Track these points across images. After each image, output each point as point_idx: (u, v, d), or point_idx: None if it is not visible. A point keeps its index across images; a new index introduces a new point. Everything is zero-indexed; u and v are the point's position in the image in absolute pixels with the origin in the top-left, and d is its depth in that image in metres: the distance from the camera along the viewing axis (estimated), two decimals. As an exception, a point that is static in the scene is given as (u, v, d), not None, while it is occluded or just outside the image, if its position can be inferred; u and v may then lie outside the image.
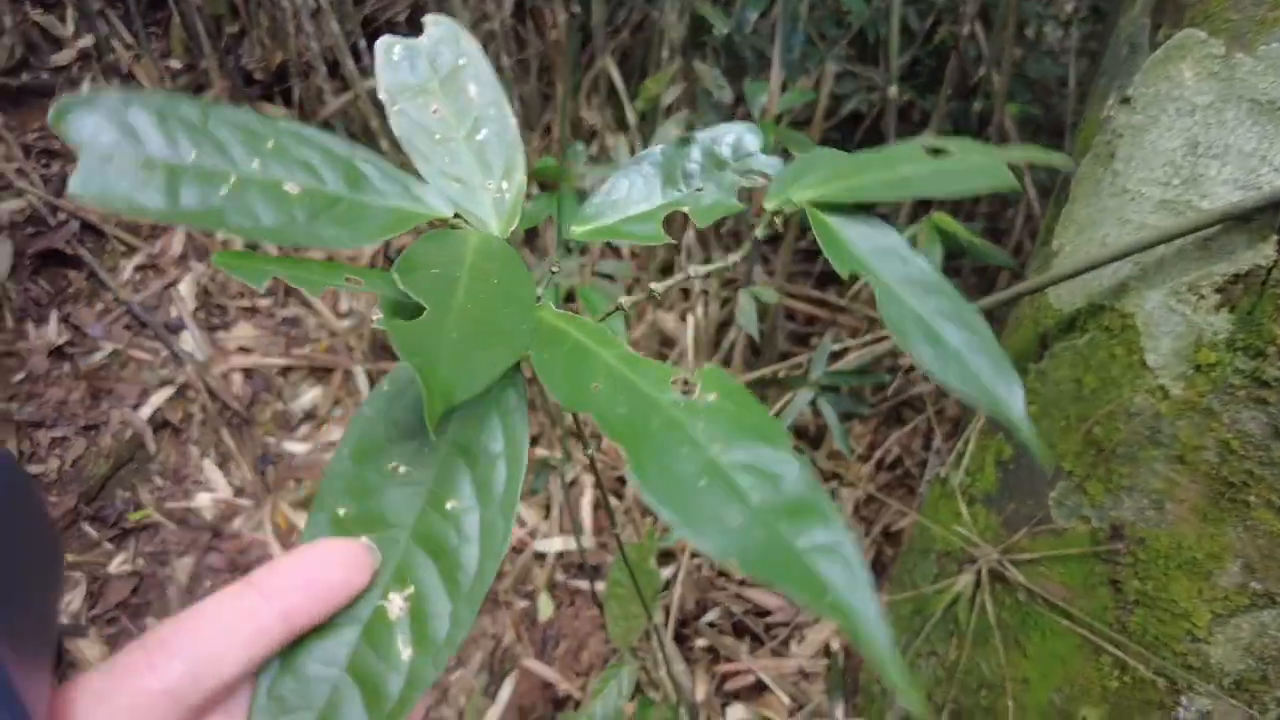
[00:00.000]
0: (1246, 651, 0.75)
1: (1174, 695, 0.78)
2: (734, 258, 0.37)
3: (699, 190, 0.37)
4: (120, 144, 0.27)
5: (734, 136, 0.38)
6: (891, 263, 0.32)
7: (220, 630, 0.25)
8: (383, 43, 0.36)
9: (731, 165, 0.38)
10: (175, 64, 1.97)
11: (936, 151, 0.34)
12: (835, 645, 1.10)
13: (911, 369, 1.36)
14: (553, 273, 0.40)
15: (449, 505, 0.27)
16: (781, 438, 0.26)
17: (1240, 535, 0.72)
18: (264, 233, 0.28)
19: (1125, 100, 0.79)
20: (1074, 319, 0.82)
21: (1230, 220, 0.69)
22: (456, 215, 0.34)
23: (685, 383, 0.28)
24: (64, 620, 1.19)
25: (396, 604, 0.26)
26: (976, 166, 0.33)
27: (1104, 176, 0.80)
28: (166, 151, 0.28)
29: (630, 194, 0.37)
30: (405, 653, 0.25)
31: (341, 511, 0.27)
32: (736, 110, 1.31)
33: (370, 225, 0.31)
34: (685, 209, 0.36)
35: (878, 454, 1.37)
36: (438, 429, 0.25)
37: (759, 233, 0.35)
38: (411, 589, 0.26)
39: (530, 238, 1.60)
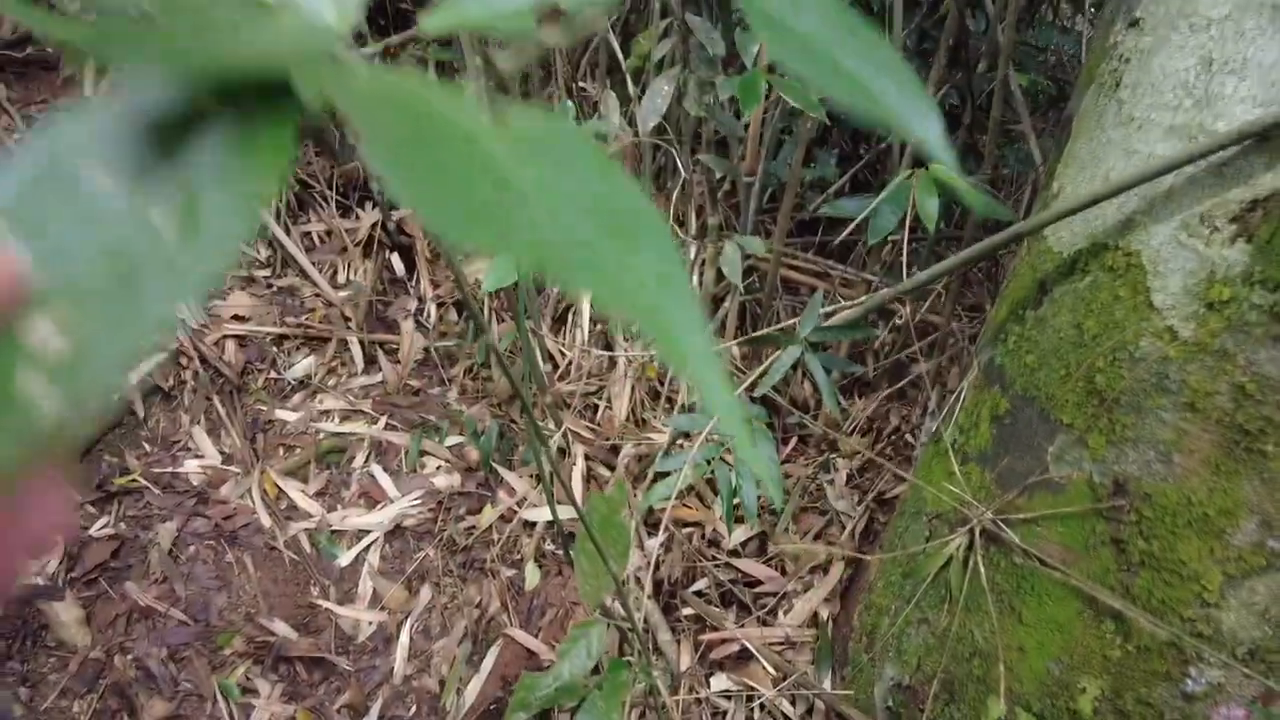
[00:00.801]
0: (1262, 618, 0.69)
1: (1182, 665, 0.72)
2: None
3: None
4: None
5: None
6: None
7: None
8: None
9: None
10: (177, 34, 1.96)
11: None
12: (824, 615, 1.05)
13: (909, 330, 1.30)
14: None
15: (153, 214, 0.20)
16: (602, 158, 0.21)
17: (1256, 489, 0.66)
18: None
19: (1133, 23, 0.73)
20: (1075, 261, 0.76)
21: (1248, 140, 0.63)
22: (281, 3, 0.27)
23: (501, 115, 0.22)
24: (40, 582, 1.18)
25: (43, 329, 0.18)
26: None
27: (1108, 107, 0.75)
28: None
29: None
30: (37, 387, 0.18)
31: None
32: (730, 65, 1.26)
33: None
34: (562, 3, 0.29)
35: (876, 424, 1.32)
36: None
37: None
38: (68, 311, 0.19)
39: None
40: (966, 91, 1.47)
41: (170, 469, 1.39)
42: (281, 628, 1.19)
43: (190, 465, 1.40)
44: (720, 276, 1.39)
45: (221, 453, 1.42)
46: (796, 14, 0.25)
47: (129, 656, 1.16)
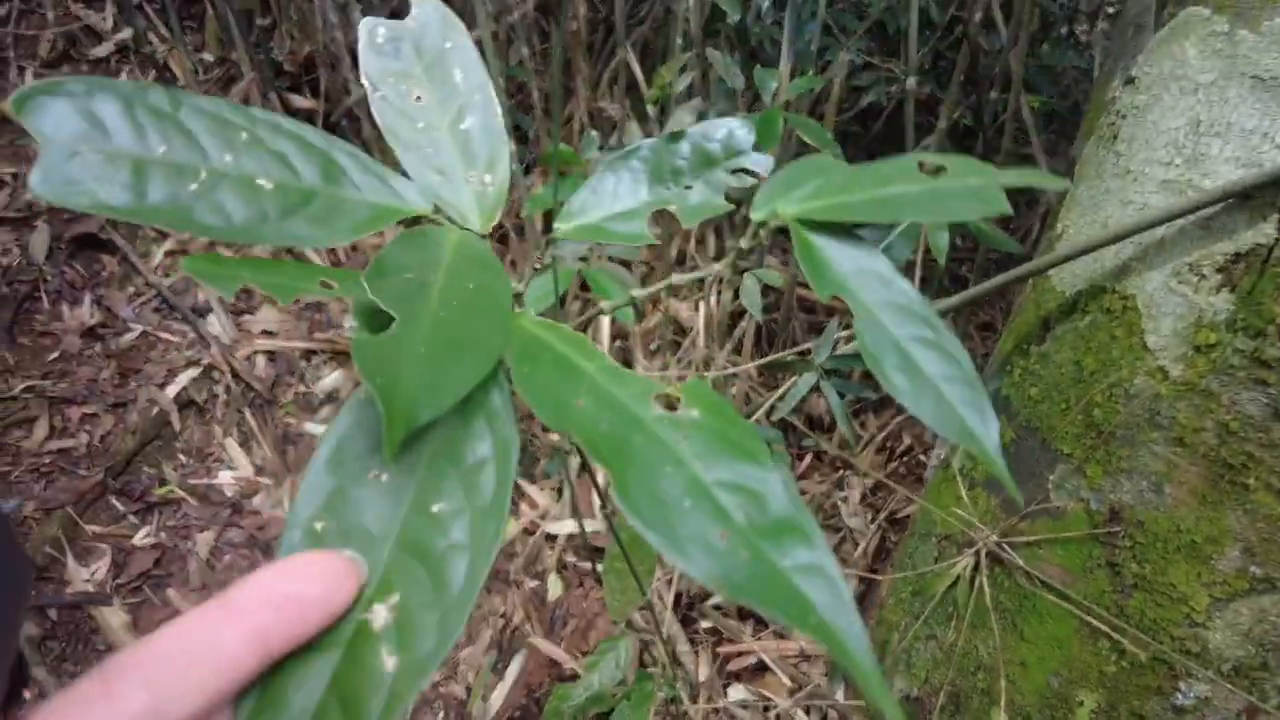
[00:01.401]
0: (1246, 637, 0.74)
1: (1172, 680, 0.77)
2: (718, 268, 0.36)
3: (687, 188, 0.35)
4: (85, 136, 0.25)
5: (725, 132, 0.37)
6: (873, 286, 0.30)
7: (187, 655, 0.23)
8: (366, 24, 0.34)
9: (722, 162, 0.36)
10: (208, 57, 2.03)
11: (935, 169, 0.33)
12: (837, 629, 1.10)
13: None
14: (536, 269, 0.40)
15: (435, 509, 0.25)
16: (763, 454, 0.25)
17: (1240, 519, 0.72)
18: (235, 232, 0.27)
19: (1129, 80, 0.78)
20: (1075, 301, 0.81)
21: (1231, 198, 0.68)
22: (436, 210, 0.32)
23: (668, 397, 0.27)
24: (90, 589, 1.24)
25: (381, 615, 0.24)
26: (970, 190, 0.31)
27: (1107, 158, 0.80)
28: (134, 144, 0.26)
29: (617, 190, 0.36)
30: (389, 664, 0.23)
31: (319, 526, 0.25)
32: (748, 98, 1.31)
33: (345, 222, 0.29)
34: (672, 208, 0.35)
35: (889, 444, 1.37)
36: (415, 439, 0.24)
37: (743, 243, 0.34)
38: (397, 597, 0.24)
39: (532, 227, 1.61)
40: (979, 112, 1.52)
41: (205, 480, 1.45)
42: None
43: (224, 477, 1.46)
44: (737, 294, 1.45)
45: (254, 465, 1.48)
46: (901, 323, 0.29)
47: (171, 661, 1.21)
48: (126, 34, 2.00)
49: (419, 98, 0.33)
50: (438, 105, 0.33)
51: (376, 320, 0.25)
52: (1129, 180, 0.77)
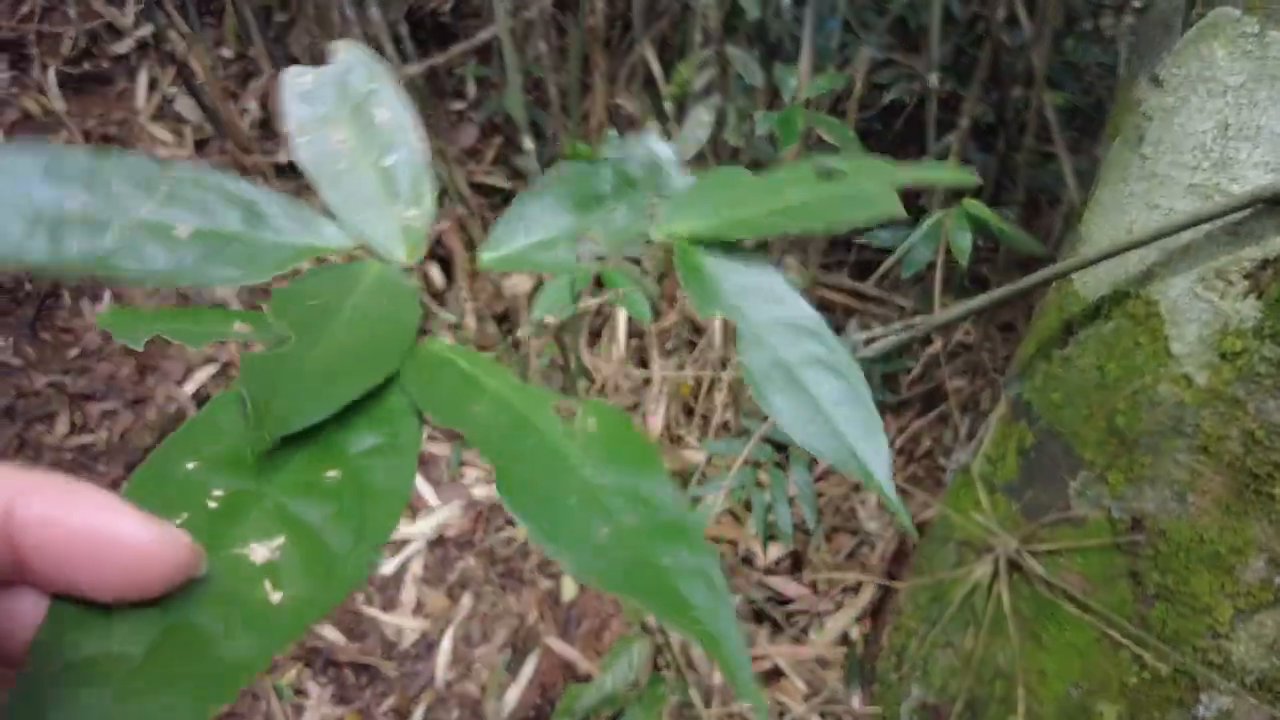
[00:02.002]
0: (1270, 649, 0.73)
1: (1194, 692, 0.76)
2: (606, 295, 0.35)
3: (611, 211, 0.35)
4: (4, 193, 0.27)
5: (645, 151, 0.36)
6: (760, 304, 0.30)
7: None
8: (290, 74, 0.35)
9: (643, 183, 0.36)
10: (227, 52, 2.04)
11: (830, 174, 0.33)
12: (854, 634, 1.10)
13: (940, 360, 1.34)
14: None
15: (320, 479, 0.25)
16: (655, 464, 0.26)
17: (1265, 529, 0.70)
18: (155, 277, 0.28)
19: (1156, 81, 0.77)
20: (1099, 306, 0.80)
21: (1260, 204, 0.66)
22: (360, 247, 0.33)
23: (568, 409, 0.28)
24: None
25: (260, 552, 0.22)
26: (865, 194, 0.31)
27: (1132, 160, 0.79)
28: (52, 199, 0.27)
29: (540, 217, 0.35)
30: (274, 596, 0.21)
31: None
32: (767, 95, 1.30)
33: (264, 261, 0.30)
34: (594, 233, 0.34)
35: (907, 445, 1.36)
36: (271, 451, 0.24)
37: (648, 267, 0.34)
38: (280, 539, 0.23)
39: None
40: (1002, 110, 1.50)
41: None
42: (330, 632, 1.26)
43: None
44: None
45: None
46: (791, 343, 0.29)
47: (190, 656, 1.23)
48: (147, 30, 2.01)
49: (342, 140, 0.34)
50: (361, 146, 0.34)
51: (280, 346, 0.26)
52: (1155, 183, 0.76)
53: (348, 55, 0.35)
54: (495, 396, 0.28)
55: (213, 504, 0.23)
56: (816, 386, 0.28)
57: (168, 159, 0.32)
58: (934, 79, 1.32)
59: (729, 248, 0.32)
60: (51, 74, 1.96)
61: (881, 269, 1.03)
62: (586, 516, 0.24)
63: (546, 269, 0.34)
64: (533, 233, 0.35)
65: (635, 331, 1.52)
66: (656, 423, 1.42)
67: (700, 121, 1.31)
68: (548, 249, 0.34)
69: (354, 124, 0.34)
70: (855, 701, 1.03)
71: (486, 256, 0.35)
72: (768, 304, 0.31)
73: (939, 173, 0.32)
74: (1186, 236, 0.72)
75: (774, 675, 1.10)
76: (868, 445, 0.27)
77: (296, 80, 0.35)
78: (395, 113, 0.35)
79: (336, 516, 0.24)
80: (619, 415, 0.27)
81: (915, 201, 1.69)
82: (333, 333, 0.27)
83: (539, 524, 0.23)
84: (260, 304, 0.29)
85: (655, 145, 0.37)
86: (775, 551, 1.24)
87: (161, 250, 0.28)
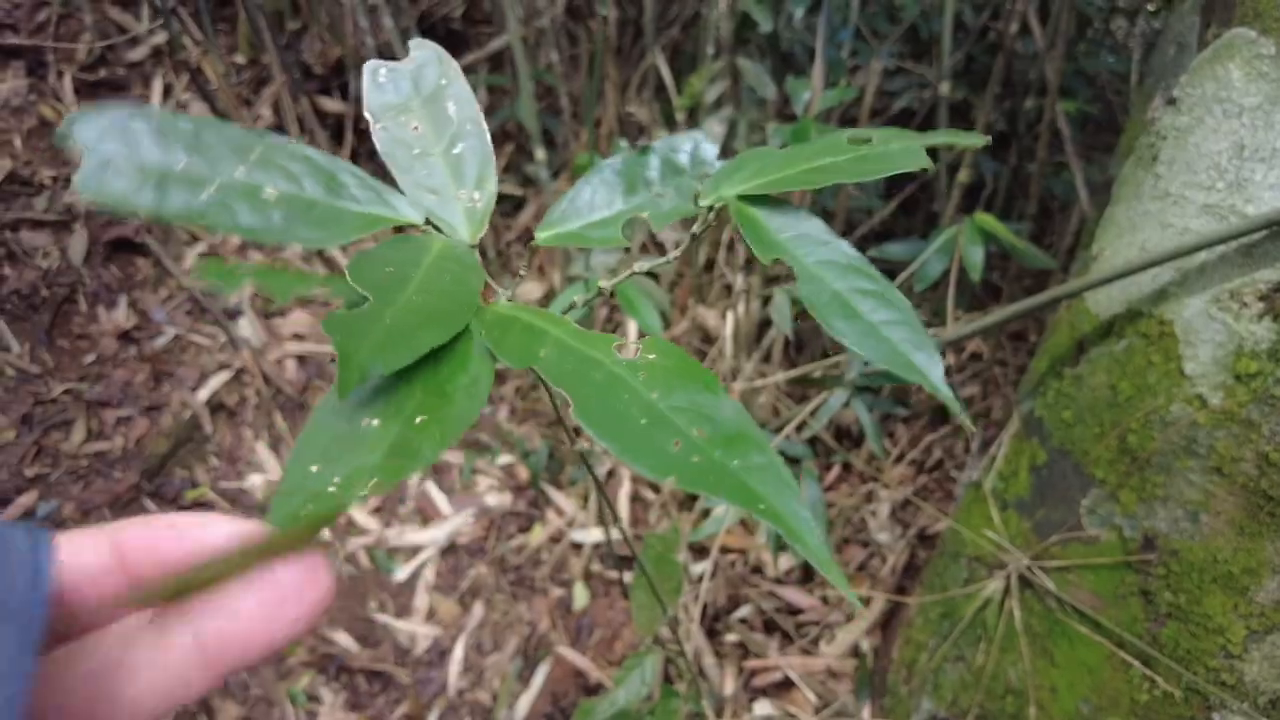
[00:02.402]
0: (1283, 670, 0.73)
1: (1206, 712, 0.76)
2: (675, 254, 0.39)
3: (659, 196, 0.39)
4: (119, 150, 0.30)
5: (691, 145, 0.40)
6: (811, 247, 0.34)
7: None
8: (369, 66, 0.38)
9: (689, 173, 0.39)
10: (240, 59, 2.05)
11: (861, 140, 0.36)
12: (865, 646, 1.10)
13: (951, 370, 1.34)
14: (570, 279, 0.42)
15: (416, 421, 0.28)
16: (716, 385, 0.28)
17: (1278, 550, 0.70)
18: (242, 231, 0.31)
19: (1171, 101, 0.77)
20: (1111, 324, 0.80)
21: (1275, 226, 0.67)
22: (428, 222, 0.36)
23: (629, 347, 0.30)
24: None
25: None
26: (893, 152, 0.35)
27: (1146, 179, 0.79)
28: (160, 158, 0.31)
29: (593, 200, 0.39)
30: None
31: (314, 468, 0.27)
32: (778, 106, 1.31)
33: (342, 227, 0.33)
34: (645, 214, 0.38)
35: (918, 456, 1.36)
36: (399, 388, 0.28)
37: (695, 229, 0.38)
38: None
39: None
40: (1014, 118, 1.50)
41: (236, 484, 1.47)
42: (344, 639, 1.27)
43: (254, 480, 1.48)
44: (766, 302, 1.44)
45: (283, 468, 1.50)
46: (840, 277, 0.33)
47: (205, 662, 1.24)
48: (161, 38, 2.02)
49: (416, 127, 0.37)
50: (433, 134, 0.37)
51: (360, 306, 0.29)
52: (1168, 203, 0.76)
53: (423, 52, 0.39)
54: (559, 342, 0.31)
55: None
56: (870, 313, 0.32)
57: (259, 129, 0.34)
58: (945, 87, 1.32)
59: (775, 204, 0.36)
60: (68, 80, 1.97)
61: (895, 283, 1.03)
62: (658, 432, 0.26)
63: (598, 244, 0.38)
64: (586, 214, 0.39)
65: (643, 334, 1.52)
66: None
67: (712, 132, 1.32)
68: (601, 228, 0.38)
69: (426, 114, 0.38)
70: (865, 713, 1.03)
71: (543, 234, 0.38)
72: (817, 247, 0.34)
73: (957, 137, 0.37)
74: (1200, 257, 0.72)
75: (784, 686, 1.10)
76: (923, 356, 0.31)
77: (375, 71, 0.38)
78: (464, 106, 0.38)
79: (426, 425, 0.27)
80: (677, 349, 0.30)
81: (928, 213, 1.69)
82: (407, 294, 0.30)
83: (617, 441, 0.26)
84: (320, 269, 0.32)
85: (700, 140, 0.41)
86: (785, 562, 1.25)
87: (250, 209, 0.31)
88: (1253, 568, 0.72)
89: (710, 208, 0.37)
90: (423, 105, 0.38)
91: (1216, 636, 0.75)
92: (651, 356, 0.30)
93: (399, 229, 0.36)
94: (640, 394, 0.28)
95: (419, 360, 0.28)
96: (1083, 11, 1.68)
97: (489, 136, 0.38)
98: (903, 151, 0.36)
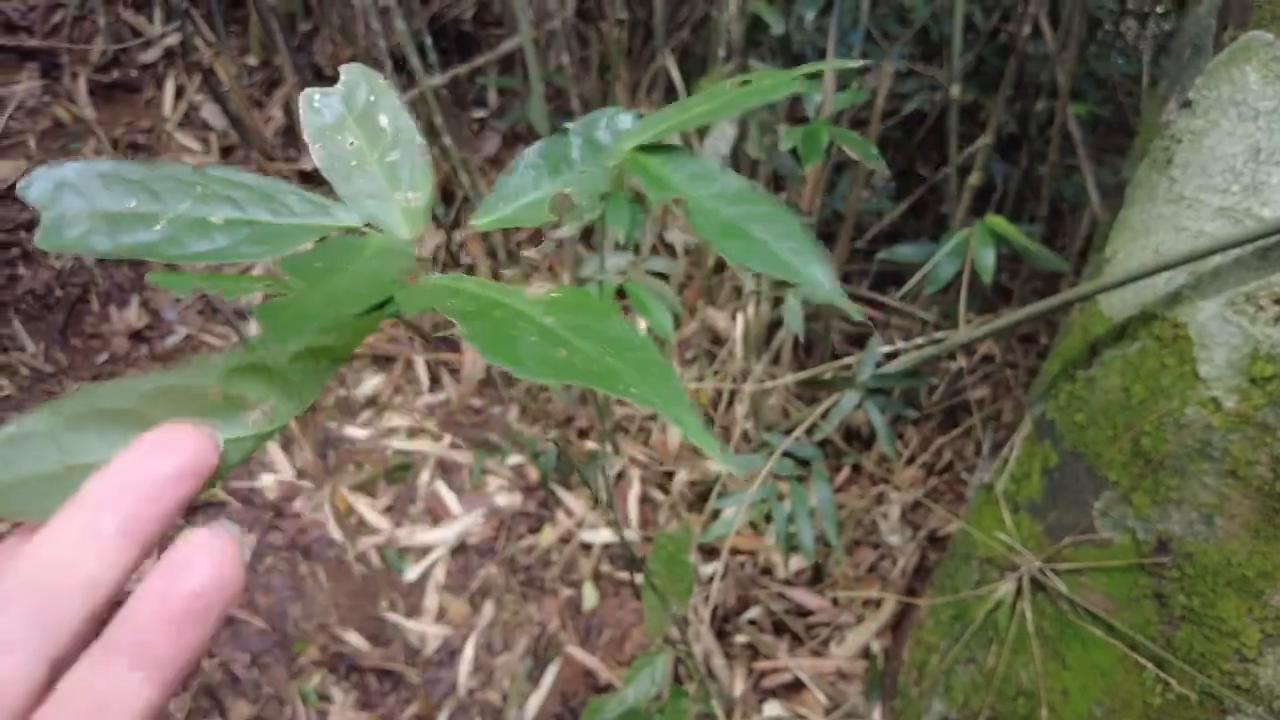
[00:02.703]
0: (1298, 674, 0.72)
1: (1220, 716, 0.76)
2: (565, 232, 0.42)
3: (582, 173, 0.42)
4: (73, 202, 0.33)
5: (606, 120, 0.42)
6: (704, 183, 0.37)
7: (58, 580, 0.22)
8: (305, 95, 0.41)
9: (608, 149, 0.42)
10: (252, 60, 2.06)
11: (742, 82, 0.40)
12: (875, 648, 1.10)
13: (963, 373, 1.34)
14: (581, 280, 0.44)
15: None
16: (611, 312, 0.31)
17: (1294, 554, 0.70)
18: (194, 257, 0.34)
19: (1186, 104, 0.77)
20: (1124, 327, 0.80)
21: (1291, 229, 0.66)
22: (368, 225, 0.38)
23: (541, 294, 0.33)
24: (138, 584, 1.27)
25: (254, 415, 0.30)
26: (769, 85, 0.39)
27: (1160, 182, 0.78)
28: (109, 204, 0.34)
29: (522, 185, 0.42)
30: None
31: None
32: (788, 107, 1.31)
33: (284, 240, 0.36)
34: (569, 191, 0.41)
35: (929, 458, 1.36)
36: None
37: (604, 187, 0.40)
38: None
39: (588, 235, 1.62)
40: (1025, 121, 1.50)
41: (248, 483, 1.48)
42: (354, 639, 1.27)
43: (266, 480, 1.48)
44: (776, 304, 1.44)
45: (295, 467, 1.51)
46: (731, 206, 0.36)
47: (216, 660, 1.24)
48: (174, 40, 2.04)
49: (352, 143, 0.41)
50: (368, 146, 0.41)
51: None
52: (1183, 206, 0.76)
53: (352, 75, 0.42)
54: (471, 293, 0.33)
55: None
56: (762, 233, 0.34)
57: (200, 165, 0.38)
58: (955, 89, 1.32)
59: (670, 151, 0.39)
60: (81, 82, 1.99)
61: (907, 286, 1.03)
62: (546, 346, 0.29)
63: (528, 223, 0.41)
64: (517, 199, 0.42)
65: (654, 340, 1.52)
66: (675, 433, 1.43)
67: (723, 134, 1.32)
68: (531, 210, 0.41)
69: (361, 129, 0.41)
70: (876, 715, 1.03)
71: (480, 221, 0.41)
72: (709, 183, 0.37)
73: (825, 65, 0.44)
74: (1215, 260, 0.72)
75: (794, 687, 1.10)
76: (814, 267, 0.33)
77: (309, 99, 0.41)
78: (396, 117, 0.42)
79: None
80: (581, 290, 0.33)
81: (938, 216, 1.69)
82: (337, 281, 0.32)
83: (503, 355, 0.28)
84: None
85: (616, 114, 0.43)
86: (795, 564, 1.25)
87: (200, 237, 0.35)
88: (1268, 571, 0.72)
89: (617, 166, 0.40)
90: (356, 122, 0.41)
91: (1231, 640, 0.74)
92: (555, 295, 0.32)
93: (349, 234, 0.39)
94: (535, 320, 0.30)
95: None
96: (1093, 14, 1.68)
97: (424, 143, 0.41)
98: (773, 82, 0.39)
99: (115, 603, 0.24)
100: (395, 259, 0.36)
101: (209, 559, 0.24)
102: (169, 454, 0.25)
